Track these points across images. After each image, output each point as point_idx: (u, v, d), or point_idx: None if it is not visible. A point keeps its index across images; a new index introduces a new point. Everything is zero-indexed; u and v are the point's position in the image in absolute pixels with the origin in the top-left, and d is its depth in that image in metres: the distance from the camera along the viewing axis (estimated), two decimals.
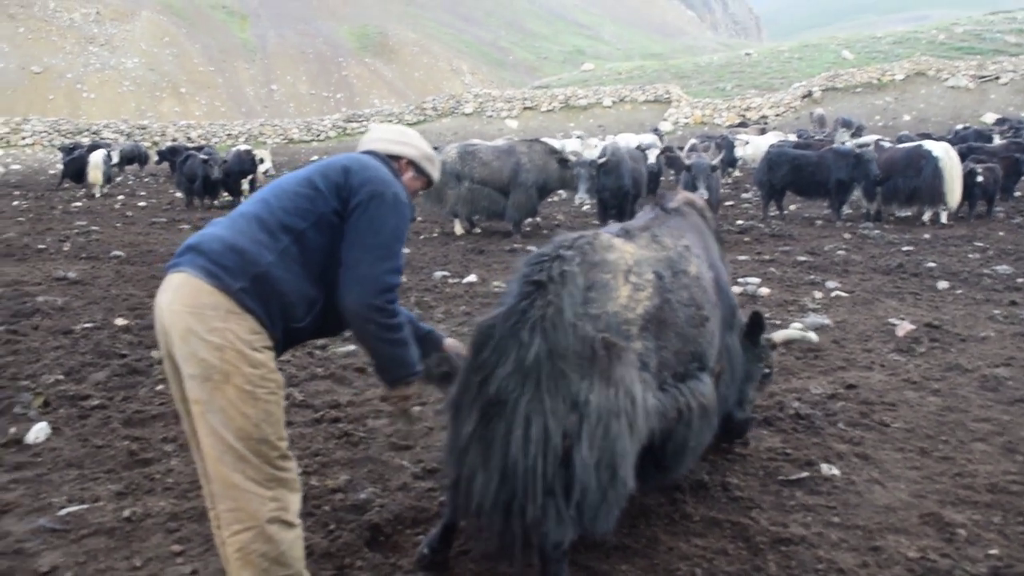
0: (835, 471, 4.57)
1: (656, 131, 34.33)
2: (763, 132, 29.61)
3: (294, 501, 2.94)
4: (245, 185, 18.98)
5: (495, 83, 67.03)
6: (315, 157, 35.74)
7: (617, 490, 3.18)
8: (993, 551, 3.72)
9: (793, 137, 25.87)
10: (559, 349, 3.07)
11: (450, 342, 3.83)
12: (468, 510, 3.20)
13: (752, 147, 24.25)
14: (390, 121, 48.08)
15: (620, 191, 13.07)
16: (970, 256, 11.51)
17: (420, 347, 3.36)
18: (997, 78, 38.30)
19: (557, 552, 3.14)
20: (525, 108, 46.51)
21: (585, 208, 17.09)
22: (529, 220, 14.85)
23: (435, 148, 17.05)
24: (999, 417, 5.38)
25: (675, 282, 3.68)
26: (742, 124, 36.99)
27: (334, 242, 3.01)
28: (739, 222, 15.32)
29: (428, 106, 48.66)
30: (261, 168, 19.50)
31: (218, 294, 2.80)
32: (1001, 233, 13.50)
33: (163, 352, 2.99)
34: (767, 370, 4.78)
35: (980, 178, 14.88)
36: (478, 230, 15.09)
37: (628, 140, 21.95)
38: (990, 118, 32.99)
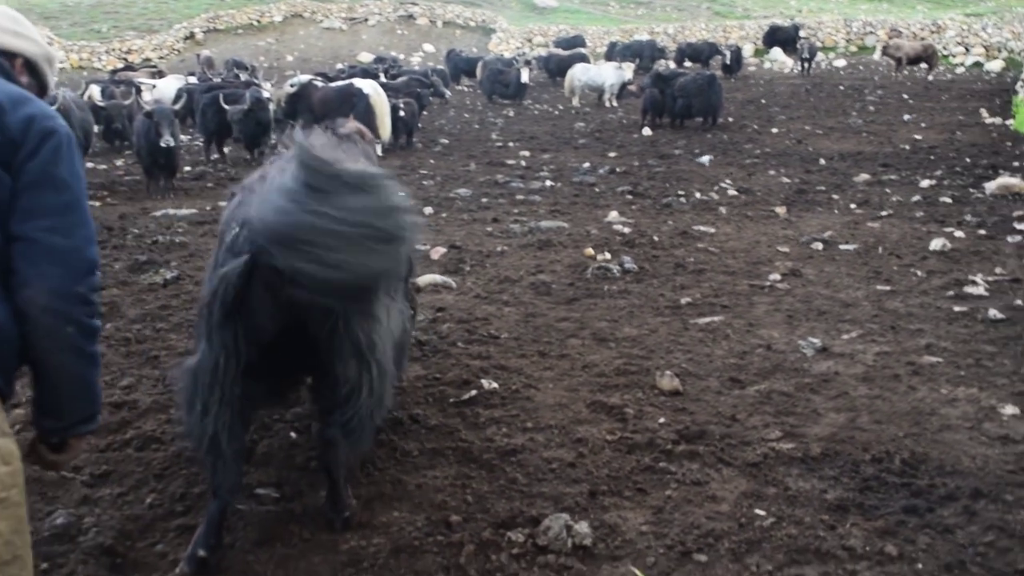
0: (494, 384, 4.92)
1: None
2: (161, 75, 28.36)
3: None
4: None
5: None
6: None
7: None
8: (662, 419, 4.44)
9: (193, 79, 25.20)
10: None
11: None
12: None
13: (159, 91, 23.16)
14: None
15: None
16: (426, 183, 12.69)
17: None
18: (366, 20, 41.69)
19: None
20: None
21: None
22: None
23: None
24: (570, 315, 6.24)
25: None
26: (128, 68, 34.69)
27: None
28: (187, 168, 14.67)
29: None
30: None
31: None
32: (432, 161, 15.05)
33: None
34: (411, 311, 4.91)
35: (402, 112, 16.34)
36: None
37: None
38: (365, 57, 35.78)
